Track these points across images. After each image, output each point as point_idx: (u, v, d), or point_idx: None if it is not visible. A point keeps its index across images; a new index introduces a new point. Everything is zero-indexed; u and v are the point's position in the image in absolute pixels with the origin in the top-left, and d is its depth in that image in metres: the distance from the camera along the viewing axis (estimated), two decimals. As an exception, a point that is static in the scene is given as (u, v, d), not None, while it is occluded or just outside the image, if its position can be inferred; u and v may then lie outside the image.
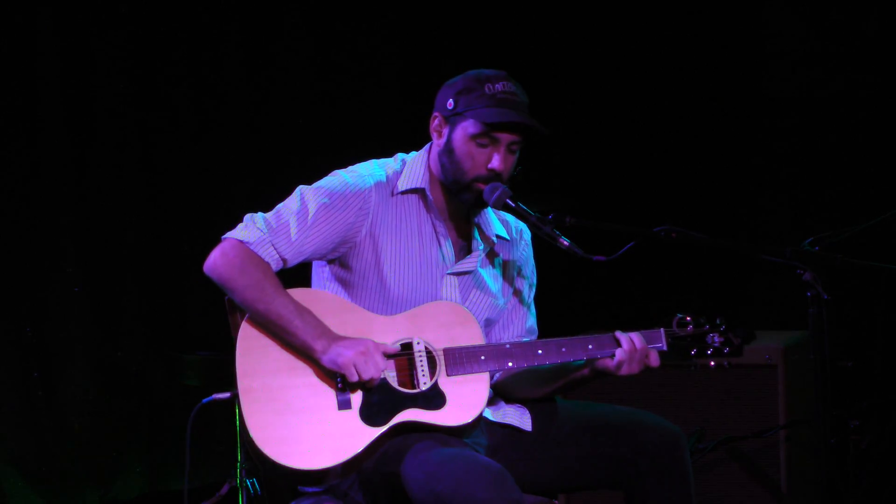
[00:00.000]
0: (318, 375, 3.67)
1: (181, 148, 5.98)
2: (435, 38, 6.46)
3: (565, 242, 3.75)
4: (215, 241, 3.81)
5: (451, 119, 3.74)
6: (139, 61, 5.86)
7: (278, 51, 6.21)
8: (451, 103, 3.74)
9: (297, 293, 3.70)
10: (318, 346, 3.63)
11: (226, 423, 5.07)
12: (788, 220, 6.39)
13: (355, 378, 3.61)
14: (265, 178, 6.07)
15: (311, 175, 3.87)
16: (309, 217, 3.71)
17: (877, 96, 6.19)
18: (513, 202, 3.76)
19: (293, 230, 3.71)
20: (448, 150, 3.75)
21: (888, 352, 5.86)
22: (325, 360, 3.63)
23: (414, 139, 3.97)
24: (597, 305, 6.62)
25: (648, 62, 6.56)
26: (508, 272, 3.94)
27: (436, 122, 3.79)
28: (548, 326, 4.01)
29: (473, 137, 3.72)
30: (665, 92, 6.55)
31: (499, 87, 3.73)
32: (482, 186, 3.75)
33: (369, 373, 3.60)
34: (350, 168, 3.83)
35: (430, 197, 3.80)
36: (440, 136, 3.78)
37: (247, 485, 5.11)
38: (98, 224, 5.80)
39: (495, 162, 3.72)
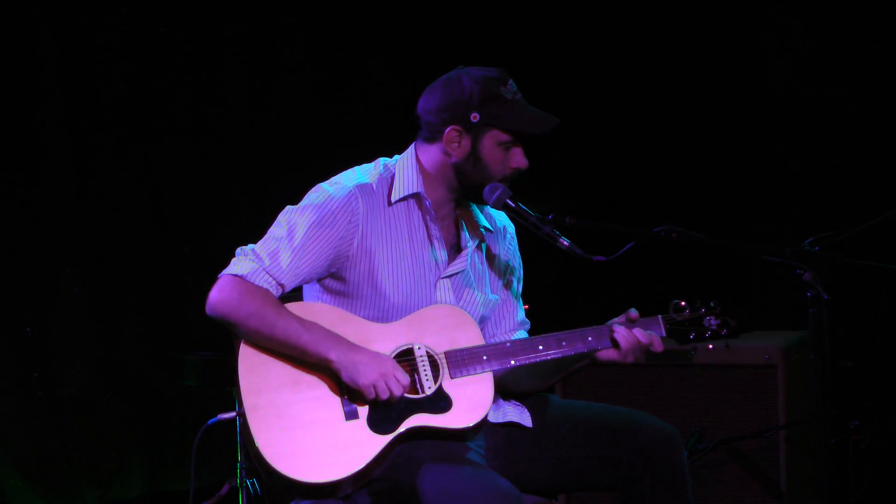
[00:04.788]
0: (323, 387, 3.65)
1: (181, 148, 5.98)
2: (434, 37, 6.46)
3: (565, 242, 3.75)
4: (215, 241, 3.81)
5: (474, 129, 3.73)
6: (139, 63, 5.86)
7: (278, 51, 6.22)
8: (475, 116, 3.71)
9: (291, 308, 3.67)
10: (332, 356, 3.61)
11: (227, 425, 5.06)
12: (788, 220, 6.38)
13: (373, 397, 3.60)
14: (265, 179, 6.07)
15: (312, 174, 3.85)
16: (298, 240, 3.68)
17: (878, 96, 6.18)
18: (513, 202, 3.76)
19: (285, 256, 3.67)
20: (474, 158, 3.73)
21: (888, 352, 5.85)
22: (345, 376, 3.61)
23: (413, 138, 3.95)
24: (596, 306, 6.60)
25: (649, 61, 6.56)
26: (497, 265, 3.93)
27: (453, 134, 3.75)
28: (547, 327, 4.00)
29: (503, 144, 3.74)
30: (665, 91, 6.54)
31: (510, 88, 3.75)
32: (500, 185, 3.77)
33: (387, 395, 3.60)
34: (332, 179, 3.79)
35: (428, 200, 3.78)
36: (458, 146, 3.74)
37: (247, 485, 5.11)
38: (98, 224, 5.80)
39: (520, 161, 3.76)
